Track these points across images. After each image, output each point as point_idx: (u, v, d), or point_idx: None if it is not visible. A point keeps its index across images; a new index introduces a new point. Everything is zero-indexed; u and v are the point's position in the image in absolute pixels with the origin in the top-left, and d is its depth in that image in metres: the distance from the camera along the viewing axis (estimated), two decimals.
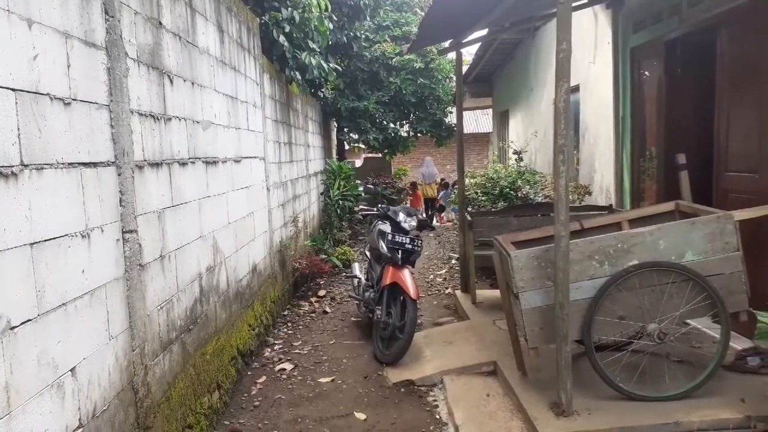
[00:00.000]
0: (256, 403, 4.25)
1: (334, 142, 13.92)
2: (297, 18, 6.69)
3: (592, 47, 7.36)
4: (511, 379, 3.99)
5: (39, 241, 2.07)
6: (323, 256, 8.21)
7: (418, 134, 14.44)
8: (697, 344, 4.10)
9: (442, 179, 18.29)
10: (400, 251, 5.21)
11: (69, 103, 2.31)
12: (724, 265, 3.46)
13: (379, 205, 6.06)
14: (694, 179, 4.31)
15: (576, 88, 7.87)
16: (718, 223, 3.47)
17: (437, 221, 15.90)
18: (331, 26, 8.24)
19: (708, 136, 5.00)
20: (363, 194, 11.25)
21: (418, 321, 5.38)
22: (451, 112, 14.29)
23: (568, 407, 3.35)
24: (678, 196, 4.33)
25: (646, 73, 6.16)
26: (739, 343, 3.97)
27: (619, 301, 3.47)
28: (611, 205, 6.29)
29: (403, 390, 4.41)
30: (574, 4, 4.77)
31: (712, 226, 3.47)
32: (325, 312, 6.68)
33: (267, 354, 5.26)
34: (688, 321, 3.67)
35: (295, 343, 5.57)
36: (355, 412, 4.05)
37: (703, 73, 5.20)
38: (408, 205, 15.91)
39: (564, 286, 3.27)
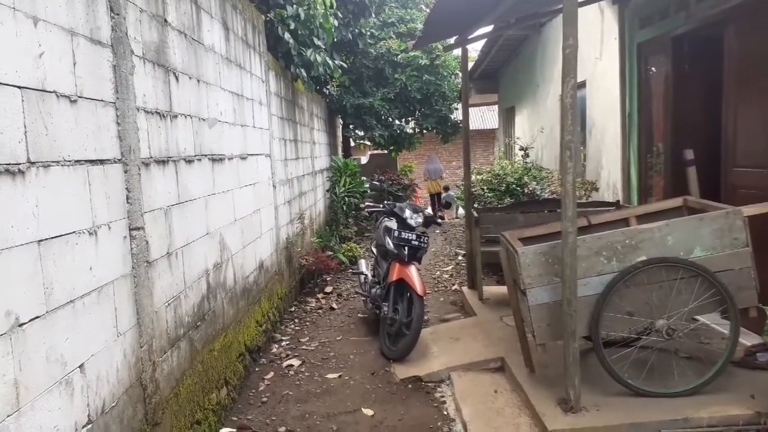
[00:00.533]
0: (264, 399, 4.26)
1: (340, 139, 13.91)
2: (302, 15, 6.68)
3: (599, 43, 7.32)
4: (519, 375, 3.98)
5: (46, 239, 2.08)
6: (329, 253, 8.21)
7: (424, 131, 14.40)
8: (706, 340, 4.08)
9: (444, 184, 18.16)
10: (406, 248, 5.21)
11: (75, 101, 2.32)
12: (733, 261, 3.45)
13: (385, 202, 6.05)
14: (701, 175, 4.27)
15: (582, 84, 7.84)
16: (727, 218, 3.45)
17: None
18: (336, 23, 8.23)
19: (715, 132, 4.97)
20: (369, 191, 11.24)
21: (425, 317, 5.38)
22: (456, 109, 14.25)
23: (577, 403, 3.34)
24: (685, 191, 4.30)
25: (653, 68, 6.13)
26: (748, 339, 3.95)
27: (627, 297, 3.46)
28: (618, 201, 6.26)
29: (410, 386, 4.40)
30: (579, 0, 4.75)
31: (720, 222, 3.45)
32: (332, 308, 6.69)
33: (274, 350, 5.27)
34: (697, 317, 3.65)
35: (302, 339, 5.58)
36: (362, 408, 4.06)
37: (710, 68, 5.16)
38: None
39: (571, 282, 3.25)
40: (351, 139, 14.67)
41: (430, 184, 17.09)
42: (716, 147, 4.94)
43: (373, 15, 11.50)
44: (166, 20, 3.34)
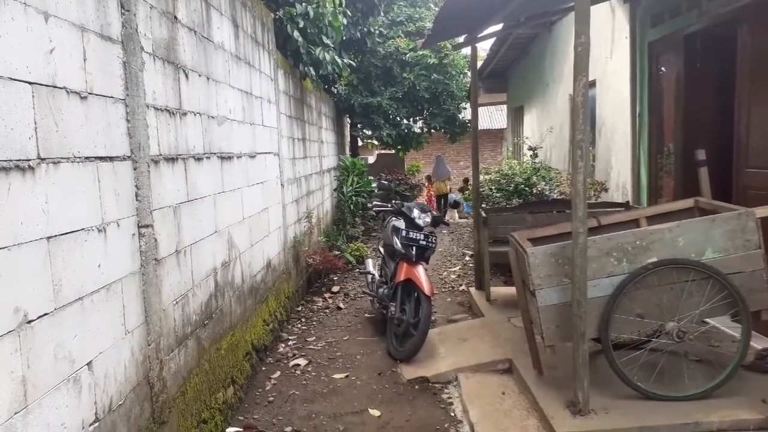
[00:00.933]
0: (271, 399, 4.25)
1: (348, 138, 13.90)
2: (311, 13, 6.67)
3: (609, 42, 7.28)
4: (527, 377, 3.96)
5: (56, 235, 2.07)
6: (336, 252, 8.20)
7: (432, 130, 14.39)
8: (716, 343, 4.04)
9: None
10: (414, 247, 5.18)
11: (85, 97, 2.31)
12: (746, 263, 3.40)
13: (394, 201, 6.03)
14: (712, 175, 4.23)
15: (592, 84, 7.78)
16: (740, 220, 3.40)
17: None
18: (345, 21, 8.21)
19: (727, 132, 4.92)
20: (376, 190, 11.23)
21: (432, 318, 5.35)
22: (465, 108, 14.22)
23: (585, 406, 3.31)
24: (695, 192, 4.26)
25: (664, 67, 6.08)
26: (759, 343, 3.91)
27: (638, 298, 3.43)
28: (628, 201, 6.22)
29: (417, 387, 4.38)
30: None
31: (733, 223, 3.41)
32: (339, 308, 6.67)
33: (281, 349, 5.26)
34: (707, 320, 3.62)
35: (308, 339, 5.57)
36: (369, 409, 4.04)
37: (722, 67, 5.12)
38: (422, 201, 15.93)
39: (581, 283, 3.22)
40: (359, 138, 14.66)
41: (437, 185, 17.18)
42: (728, 147, 4.89)
43: (382, 13, 11.48)
44: (176, 17, 3.33)
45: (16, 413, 1.82)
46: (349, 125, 13.86)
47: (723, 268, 3.37)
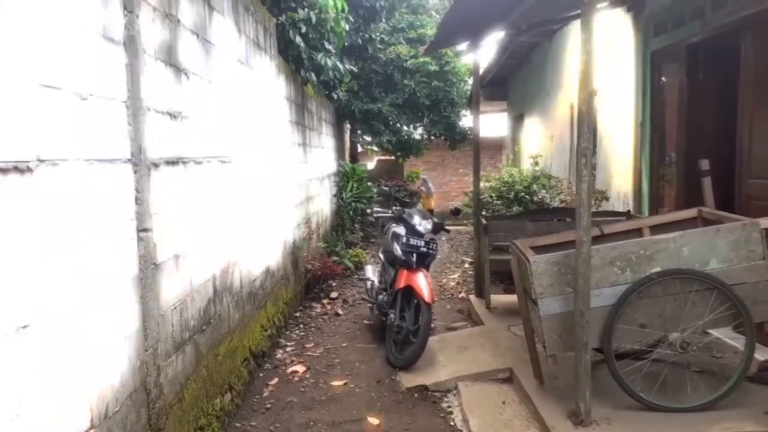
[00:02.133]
0: (268, 406, 4.20)
1: (347, 144, 13.89)
2: (314, 19, 6.66)
3: (612, 51, 7.26)
4: (528, 386, 3.92)
5: (53, 238, 2.03)
6: (335, 258, 8.17)
7: (432, 137, 14.39)
8: (719, 354, 4.01)
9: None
10: (414, 254, 5.15)
11: (86, 99, 2.28)
12: (750, 274, 3.38)
13: (394, 208, 6.00)
14: (715, 186, 4.21)
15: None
16: (744, 230, 3.38)
17: None
18: (347, 27, 8.20)
19: (730, 142, 4.91)
20: (376, 196, 11.21)
21: (432, 325, 5.31)
22: (465, 116, 14.22)
23: (587, 416, 3.28)
24: (697, 202, 4.24)
25: (667, 77, 6.07)
26: (762, 354, 3.88)
27: (641, 308, 3.40)
28: (629, 211, 6.20)
29: (416, 395, 4.34)
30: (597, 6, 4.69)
31: (737, 234, 3.38)
32: (338, 314, 6.63)
33: (279, 355, 5.22)
34: (710, 330, 3.59)
35: (307, 345, 5.52)
36: (368, 417, 3.99)
37: (725, 77, 5.11)
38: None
39: (584, 292, 3.20)
40: (358, 144, 14.66)
41: (425, 201, 17.94)
42: (730, 157, 4.87)
43: (384, 20, 11.49)
44: (178, 20, 3.31)
45: (10, 420, 1.77)
46: (349, 131, 13.85)
47: (727, 278, 3.35)
